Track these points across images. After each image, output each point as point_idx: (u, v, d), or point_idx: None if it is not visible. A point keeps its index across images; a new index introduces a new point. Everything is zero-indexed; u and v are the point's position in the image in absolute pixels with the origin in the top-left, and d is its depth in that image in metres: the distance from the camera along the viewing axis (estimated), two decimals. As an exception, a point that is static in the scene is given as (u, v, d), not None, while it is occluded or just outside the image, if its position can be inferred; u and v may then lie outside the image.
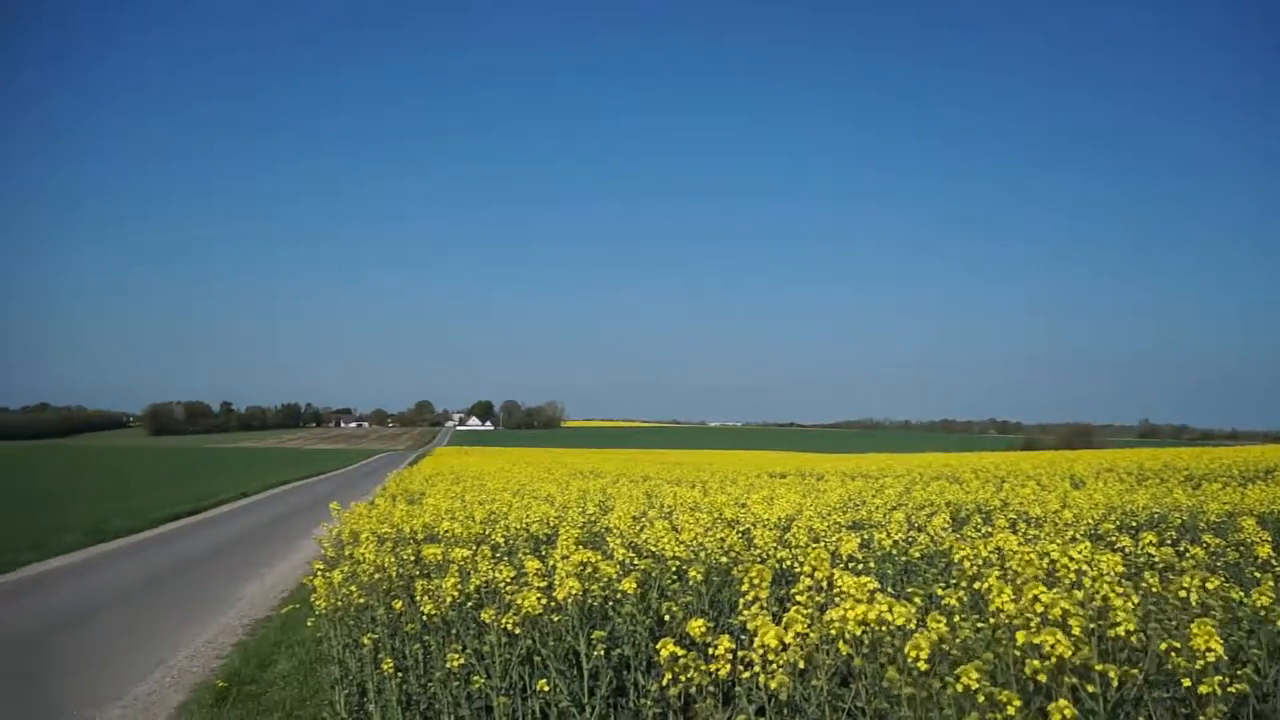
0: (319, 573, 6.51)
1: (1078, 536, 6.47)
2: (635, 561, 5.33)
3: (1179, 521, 8.31)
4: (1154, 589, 3.58)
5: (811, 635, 3.16)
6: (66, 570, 16.27)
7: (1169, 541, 5.97)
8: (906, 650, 2.79)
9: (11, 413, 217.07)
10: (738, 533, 6.04)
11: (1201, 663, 2.89)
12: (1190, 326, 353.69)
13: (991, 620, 3.06)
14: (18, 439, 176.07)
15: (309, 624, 7.09)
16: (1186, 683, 2.91)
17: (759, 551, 5.72)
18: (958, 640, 3.03)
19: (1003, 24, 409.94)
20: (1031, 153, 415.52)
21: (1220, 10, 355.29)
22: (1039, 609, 2.83)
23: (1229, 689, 2.91)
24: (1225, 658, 2.97)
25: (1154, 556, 4.26)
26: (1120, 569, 3.60)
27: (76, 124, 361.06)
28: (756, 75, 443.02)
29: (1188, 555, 4.49)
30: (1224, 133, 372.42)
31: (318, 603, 6.43)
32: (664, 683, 3.33)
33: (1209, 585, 3.44)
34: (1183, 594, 3.42)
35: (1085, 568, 3.25)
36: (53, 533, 20.58)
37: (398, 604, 5.71)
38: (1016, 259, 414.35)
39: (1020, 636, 2.80)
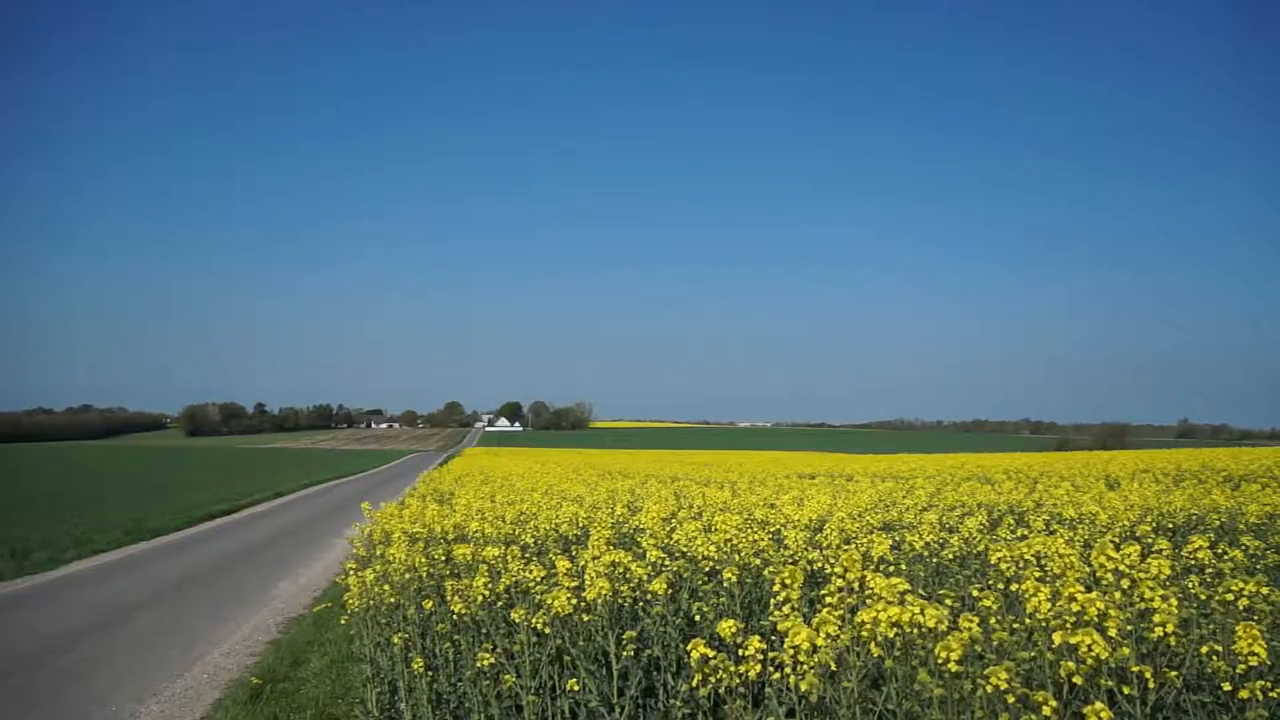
0: (351, 572, 6.57)
1: (1114, 539, 6.36)
2: (667, 562, 5.31)
3: (1217, 523, 8.14)
4: (1200, 595, 3.51)
5: (843, 637, 3.14)
6: (107, 568, 16.59)
7: (1207, 544, 5.86)
8: (937, 651, 2.75)
9: (57, 414, 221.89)
10: (768, 534, 6.01)
11: (1243, 666, 2.83)
12: (1229, 326, 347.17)
13: (1028, 621, 3.02)
14: (63, 439, 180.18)
15: (341, 623, 7.16)
16: (1227, 686, 2.85)
17: (790, 553, 5.69)
18: (993, 642, 3.00)
19: (1041, 24, 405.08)
20: (1067, 152, 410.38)
21: (1261, 11, 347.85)
22: (1075, 608, 2.79)
23: (1270, 694, 2.85)
24: (1269, 662, 2.91)
25: (1202, 561, 4.19)
26: (1168, 572, 3.54)
27: (109, 125, 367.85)
28: (794, 71, 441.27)
29: (1226, 557, 4.41)
30: (1263, 132, 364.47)
31: (350, 602, 6.49)
32: (694, 683, 3.32)
33: (1252, 589, 3.37)
34: (1229, 597, 3.35)
35: (1124, 569, 3.20)
36: (95, 531, 21.01)
37: (428, 603, 5.74)
38: (1051, 258, 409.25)
39: (1057, 638, 2.76)
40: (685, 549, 5.57)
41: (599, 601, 4.64)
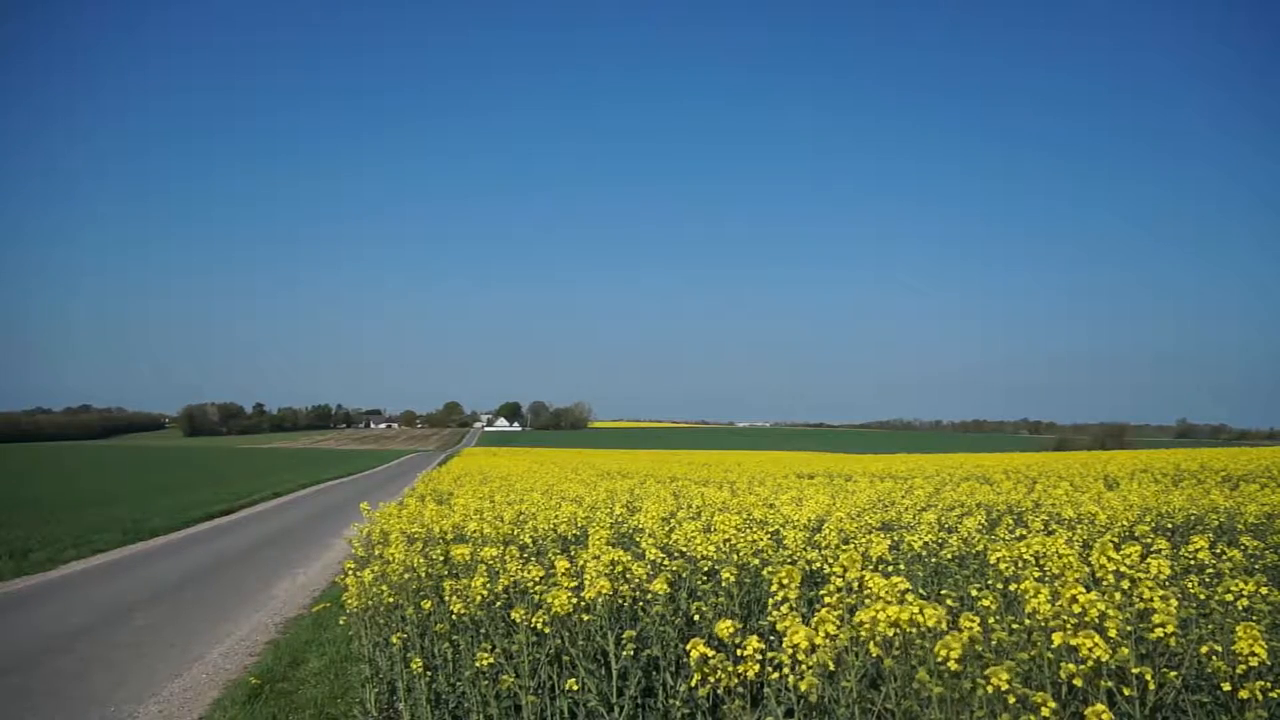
0: (350, 572, 6.57)
1: (1114, 540, 6.36)
2: (666, 562, 5.31)
3: (1216, 523, 8.15)
4: (1199, 595, 3.50)
5: (842, 636, 3.13)
6: (106, 568, 16.57)
7: (1207, 544, 5.85)
8: (937, 650, 2.75)
9: (56, 414, 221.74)
10: (767, 533, 6.02)
11: (1243, 666, 2.82)
12: (1228, 325, 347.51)
13: (1027, 621, 3.01)
14: (61, 439, 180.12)
15: (340, 623, 7.15)
16: (1227, 686, 2.85)
17: (789, 553, 5.69)
18: (992, 642, 2.99)
19: (1041, 23, 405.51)
20: (1067, 152, 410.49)
21: (1261, 11, 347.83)
22: (1076, 610, 2.78)
23: (1270, 694, 2.85)
24: (1269, 662, 2.90)
25: (1201, 561, 4.19)
26: (1168, 572, 3.54)
27: (109, 125, 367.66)
28: (794, 70, 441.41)
29: (1225, 558, 4.41)
30: (1265, 134, 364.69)
31: (348, 602, 6.49)
32: (693, 683, 3.32)
33: (1251, 589, 3.36)
34: (1228, 597, 3.35)
35: (1125, 569, 3.20)
36: (94, 532, 20.99)
37: (427, 603, 5.74)
38: (1051, 258, 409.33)
39: (1057, 638, 2.76)
40: (684, 549, 5.57)
41: (598, 601, 4.64)
